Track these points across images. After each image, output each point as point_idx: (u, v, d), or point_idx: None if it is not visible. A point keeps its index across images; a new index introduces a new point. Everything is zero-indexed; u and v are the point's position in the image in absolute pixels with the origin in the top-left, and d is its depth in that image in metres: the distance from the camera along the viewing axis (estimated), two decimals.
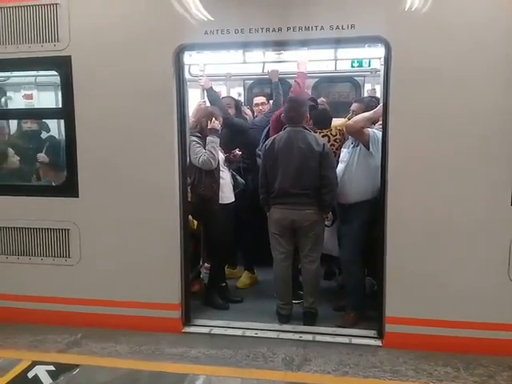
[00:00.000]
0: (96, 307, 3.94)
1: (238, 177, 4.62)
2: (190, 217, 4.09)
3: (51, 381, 3.23)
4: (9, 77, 5.30)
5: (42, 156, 4.60)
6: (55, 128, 5.44)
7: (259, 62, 5.62)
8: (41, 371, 3.34)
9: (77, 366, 3.40)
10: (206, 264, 4.88)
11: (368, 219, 3.90)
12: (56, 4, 3.75)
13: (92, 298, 3.97)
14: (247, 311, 4.22)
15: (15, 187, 4.29)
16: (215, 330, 3.89)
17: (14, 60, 3.88)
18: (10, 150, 4.48)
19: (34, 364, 3.43)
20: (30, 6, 3.80)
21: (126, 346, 3.69)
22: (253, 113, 5.50)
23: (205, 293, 4.42)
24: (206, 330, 3.90)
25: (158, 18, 3.68)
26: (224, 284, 4.50)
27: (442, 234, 3.43)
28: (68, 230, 4.01)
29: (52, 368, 3.37)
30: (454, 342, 3.42)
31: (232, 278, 4.86)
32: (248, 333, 3.83)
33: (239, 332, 3.84)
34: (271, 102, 5.22)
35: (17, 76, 5.45)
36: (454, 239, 3.42)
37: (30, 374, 3.31)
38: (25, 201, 4.06)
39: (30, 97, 5.69)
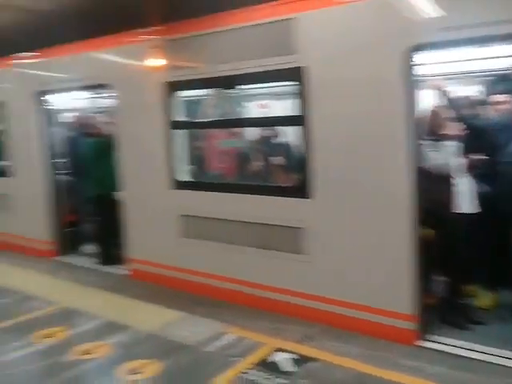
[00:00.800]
0: (327, 305, 4.08)
1: (482, 184, 4.15)
2: (424, 225, 3.87)
3: (292, 369, 3.45)
4: (248, 88, 6.03)
5: (278, 159, 5.05)
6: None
7: (500, 56, 4.95)
8: (281, 358, 3.60)
9: (314, 359, 3.56)
10: (435, 277, 4.54)
11: None
12: (292, 18, 4.02)
13: (323, 296, 4.13)
14: (491, 335, 3.73)
15: (258, 187, 4.77)
16: (455, 351, 3.56)
17: (257, 74, 4.33)
18: (257, 155, 5.01)
19: (275, 350, 3.72)
20: (268, 22, 4.18)
21: (357, 348, 3.70)
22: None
23: (440, 308, 4.11)
24: (443, 347, 3.62)
25: (385, 21, 3.60)
26: (462, 301, 4.10)
27: None
28: (300, 228, 4.25)
29: (292, 356, 3.60)
30: None
31: (471, 296, 4.35)
32: (496, 360, 3.39)
33: (485, 357, 3.43)
34: None
35: (253, 88, 6.15)
36: None
37: (272, 359, 3.60)
38: (263, 200, 4.48)
39: (264, 106, 6.36)
